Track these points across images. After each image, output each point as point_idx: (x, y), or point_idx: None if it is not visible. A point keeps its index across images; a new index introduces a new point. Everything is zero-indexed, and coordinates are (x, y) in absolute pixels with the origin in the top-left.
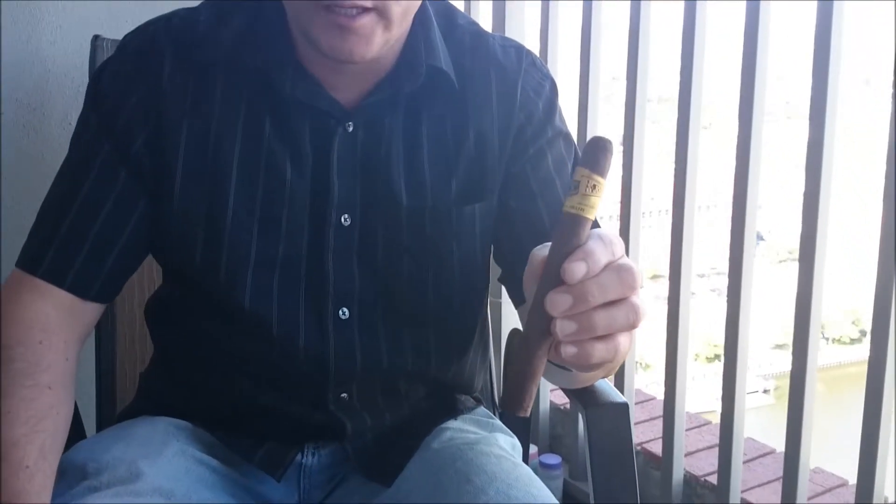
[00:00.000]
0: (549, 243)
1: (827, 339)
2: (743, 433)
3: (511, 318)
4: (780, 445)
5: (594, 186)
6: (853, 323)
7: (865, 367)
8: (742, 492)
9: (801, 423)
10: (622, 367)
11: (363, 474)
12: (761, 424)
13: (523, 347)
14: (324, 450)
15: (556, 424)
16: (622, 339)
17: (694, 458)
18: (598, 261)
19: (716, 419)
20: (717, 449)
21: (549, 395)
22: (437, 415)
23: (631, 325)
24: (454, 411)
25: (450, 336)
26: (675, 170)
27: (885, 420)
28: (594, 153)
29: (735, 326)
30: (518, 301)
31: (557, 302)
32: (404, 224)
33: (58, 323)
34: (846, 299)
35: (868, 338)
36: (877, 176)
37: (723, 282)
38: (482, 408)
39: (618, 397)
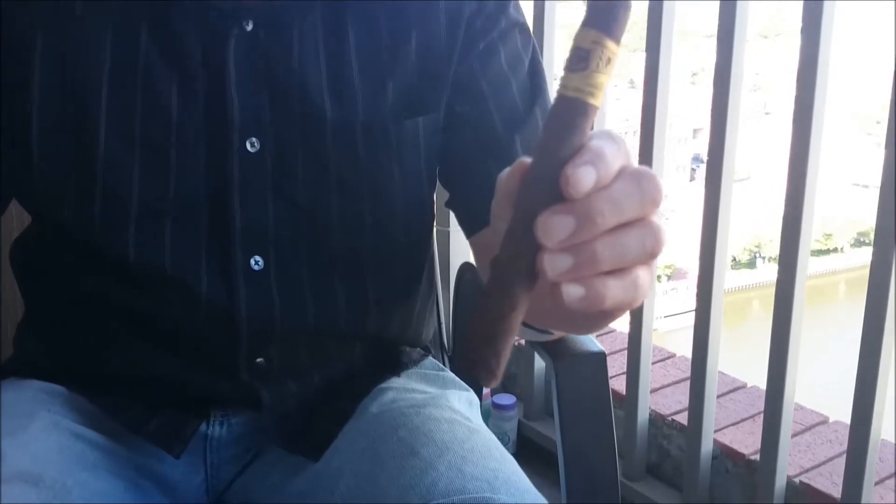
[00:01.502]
0: (528, 158)
1: (764, 258)
2: (717, 367)
3: (462, 250)
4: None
5: (608, 60)
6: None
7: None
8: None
9: (709, 331)
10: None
11: (284, 448)
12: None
13: (495, 295)
14: (235, 418)
15: (510, 363)
16: (641, 272)
17: (659, 395)
18: (609, 165)
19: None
20: (684, 384)
21: None
22: (376, 372)
23: (649, 255)
24: (397, 366)
25: (392, 282)
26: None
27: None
28: (609, 9)
29: (712, 249)
30: (470, 228)
31: (554, 226)
32: (330, 145)
33: None
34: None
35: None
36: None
37: (664, 206)
38: (430, 359)
39: (593, 345)
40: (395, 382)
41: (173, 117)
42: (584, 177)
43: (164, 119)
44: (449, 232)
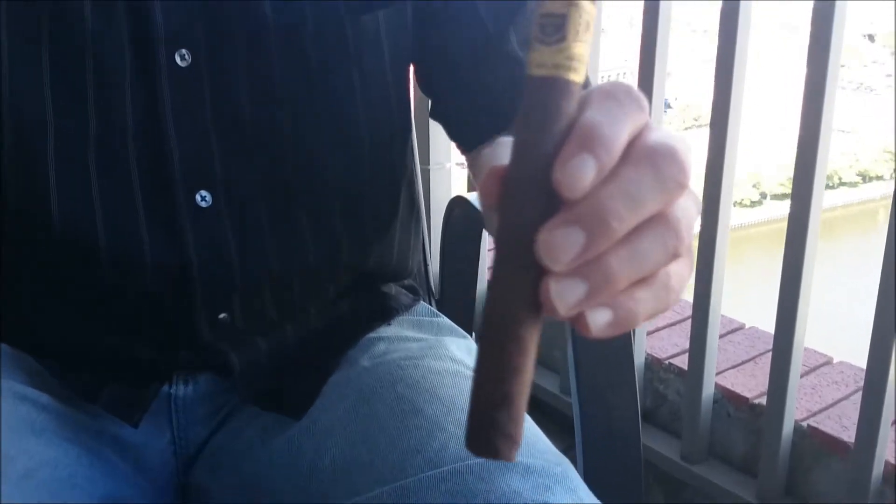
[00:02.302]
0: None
1: (766, 195)
2: (720, 308)
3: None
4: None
5: (587, 24)
6: (754, 186)
7: (765, 229)
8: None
9: (712, 270)
10: None
11: (260, 407)
12: None
13: (496, 343)
14: (202, 375)
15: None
16: (674, 267)
17: (654, 339)
18: (612, 145)
19: None
20: (680, 327)
21: (487, 272)
22: (361, 320)
23: (673, 256)
24: (386, 313)
25: (365, 209)
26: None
27: (808, 266)
28: None
29: (717, 184)
30: (464, 141)
31: (559, 243)
32: (275, 54)
33: None
34: (748, 163)
35: (768, 200)
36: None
37: None
38: (422, 303)
39: None
40: (386, 331)
41: (87, 25)
42: (580, 170)
43: (77, 28)
44: (429, 170)
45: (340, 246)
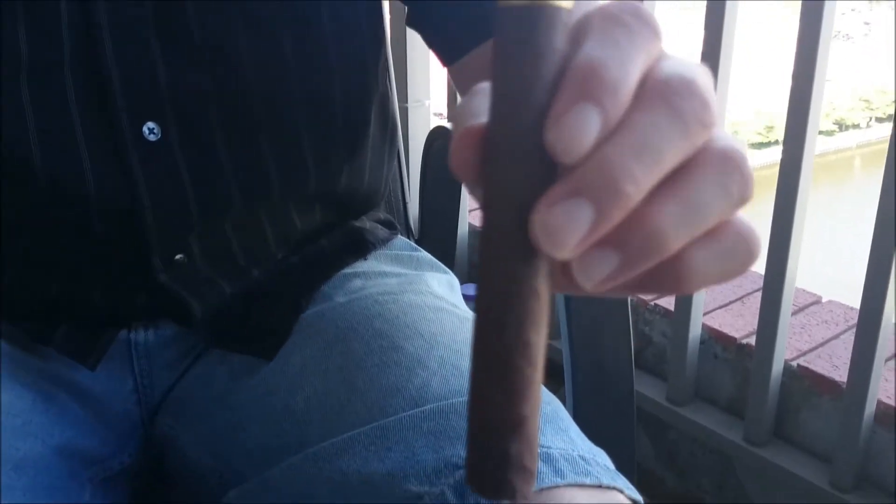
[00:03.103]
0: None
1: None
2: None
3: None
4: None
5: None
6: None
7: (776, 170)
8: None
9: None
10: None
11: (231, 350)
12: None
13: (497, 352)
14: (163, 320)
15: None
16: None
17: None
18: (617, 87)
19: None
20: None
21: (468, 215)
22: (335, 254)
23: (740, 200)
24: (361, 247)
25: (333, 127)
26: None
27: (798, 219)
28: None
29: None
30: (445, 53)
31: (561, 224)
32: None
33: None
34: (756, 101)
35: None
36: None
37: None
38: (401, 238)
39: None
40: (362, 266)
41: None
42: (579, 127)
43: None
44: (408, 108)
45: (307, 171)
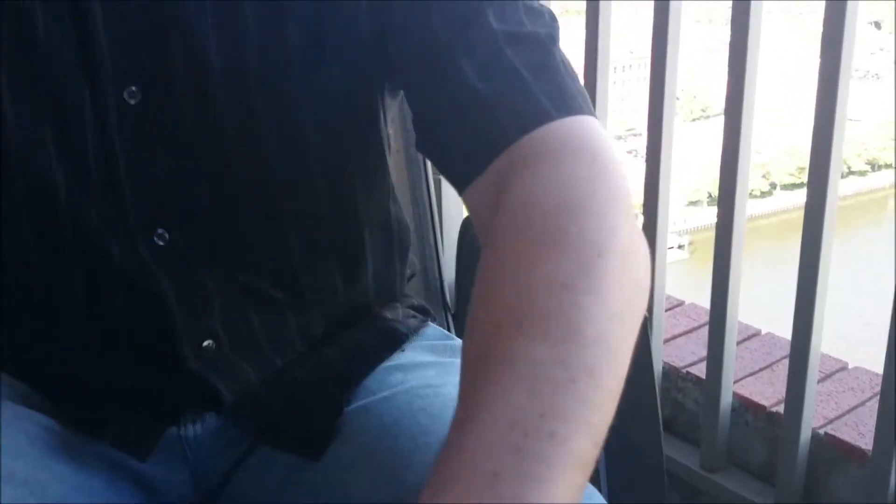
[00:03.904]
0: None
1: (776, 185)
2: (737, 315)
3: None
4: (697, 301)
5: None
6: (763, 177)
7: (775, 220)
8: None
9: (728, 277)
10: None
11: (277, 448)
12: (678, 280)
13: None
14: (208, 414)
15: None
16: None
17: (671, 347)
18: None
19: None
20: (696, 334)
21: None
22: (371, 348)
23: None
24: (394, 339)
25: (324, 251)
26: (587, 31)
27: (822, 273)
28: None
29: (655, 187)
30: (459, 181)
31: None
32: (219, 100)
33: None
34: (788, 139)
35: (778, 191)
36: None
37: (639, 143)
38: (433, 326)
39: None
40: (399, 358)
41: (42, 51)
42: None
43: (33, 57)
44: (441, 181)
45: (301, 284)
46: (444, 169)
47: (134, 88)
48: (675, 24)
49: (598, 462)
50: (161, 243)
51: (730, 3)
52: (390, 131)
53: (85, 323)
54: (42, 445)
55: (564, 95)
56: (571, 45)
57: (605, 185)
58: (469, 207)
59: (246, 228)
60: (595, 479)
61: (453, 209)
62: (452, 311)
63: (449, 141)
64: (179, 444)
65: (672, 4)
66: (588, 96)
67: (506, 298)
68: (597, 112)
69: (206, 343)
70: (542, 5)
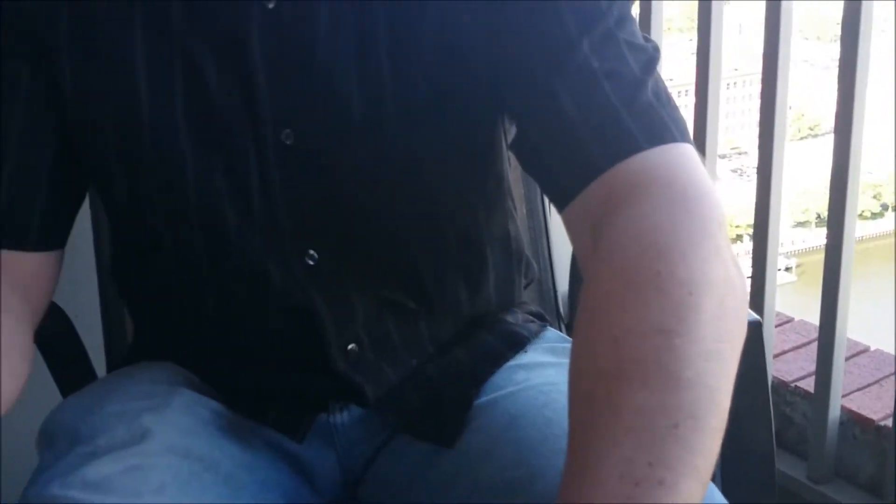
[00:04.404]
0: None
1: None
2: (846, 331)
3: None
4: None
5: None
6: (874, 197)
7: (887, 241)
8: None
9: (838, 297)
10: (759, 270)
11: (415, 436)
12: (785, 304)
13: None
14: (353, 405)
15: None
16: None
17: (780, 362)
18: None
19: None
20: (805, 350)
21: None
22: (496, 350)
23: None
24: (518, 341)
25: (456, 266)
26: (699, 52)
27: None
28: None
29: (766, 207)
30: (556, 203)
31: None
32: (358, 140)
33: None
34: (867, 172)
35: (889, 213)
36: None
37: (744, 162)
38: (552, 330)
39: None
40: (523, 358)
41: (216, 101)
42: None
43: (207, 107)
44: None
45: (431, 298)
46: (544, 189)
47: (288, 131)
48: (786, 42)
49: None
50: (311, 263)
51: (839, 20)
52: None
53: (248, 332)
54: (213, 427)
55: (656, 126)
56: (683, 62)
57: (694, 219)
58: (567, 229)
59: (382, 249)
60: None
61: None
62: (566, 321)
63: (547, 166)
64: (328, 431)
65: (783, 22)
66: (684, 123)
67: (604, 346)
68: (707, 129)
69: (350, 347)
70: (644, 37)
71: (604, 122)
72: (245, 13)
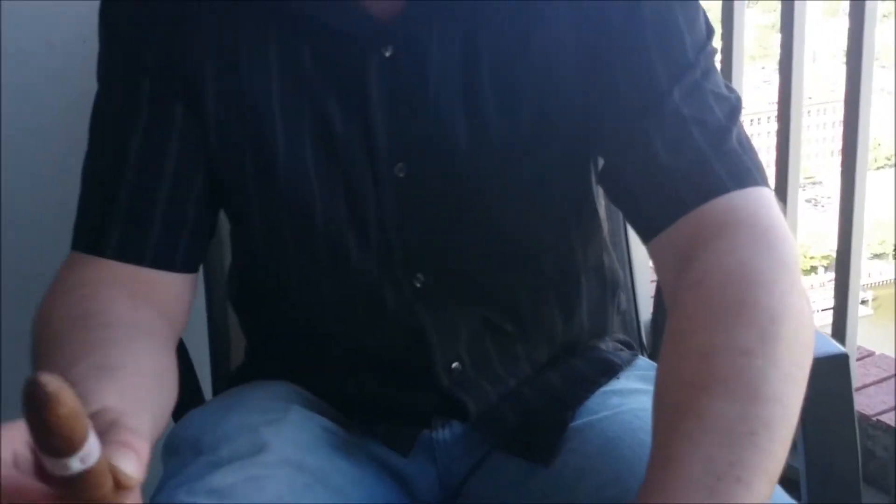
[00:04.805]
0: None
1: None
2: None
3: None
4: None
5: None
6: None
7: None
8: None
9: None
10: (841, 302)
11: (512, 454)
12: (862, 336)
13: None
14: (455, 421)
15: None
16: None
17: (861, 395)
18: None
19: None
20: (887, 384)
21: None
22: (589, 376)
23: None
24: (611, 369)
25: (552, 293)
26: (781, 85)
27: None
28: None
29: (848, 238)
30: (642, 236)
31: None
32: (463, 175)
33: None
34: None
35: None
36: None
37: (819, 192)
38: (643, 358)
39: (833, 347)
40: (616, 385)
41: (339, 145)
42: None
43: (332, 147)
44: None
45: (528, 324)
46: (630, 220)
47: (401, 164)
48: (868, 71)
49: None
50: (419, 285)
51: None
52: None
53: (361, 350)
54: (324, 443)
55: (741, 170)
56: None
57: (774, 256)
58: (653, 259)
59: (482, 275)
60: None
61: (644, 253)
62: (648, 351)
63: (636, 200)
64: (430, 446)
65: (865, 51)
66: (764, 169)
67: (691, 363)
68: (789, 159)
69: (454, 365)
70: (729, 88)
71: (693, 165)
72: (366, 60)
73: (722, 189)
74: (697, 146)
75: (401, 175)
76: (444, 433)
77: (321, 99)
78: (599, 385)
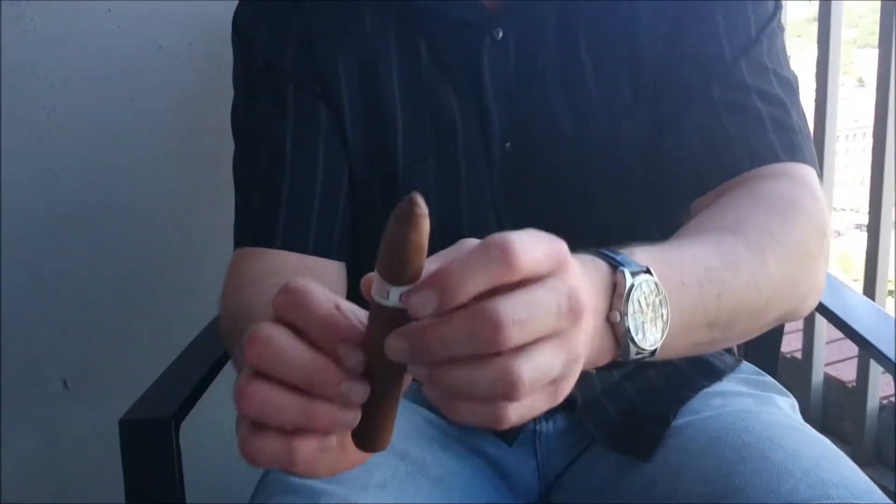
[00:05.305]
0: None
1: None
2: None
3: None
4: None
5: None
6: None
7: None
8: None
9: None
10: None
11: (612, 449)
12: None
13: (374, 390)
14: (560, 414)
15: (838, 405)
16: (514, 405)
17: (888, 378)
18: (454, 290)
19: None
20: None
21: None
22: (692, 377)
23: (501, 394)
24: (714, 372)
25: None
26: (816, 102)
27: None
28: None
29: (874, 265)
30: (695, 190)
31: (394, 349)
32: (566, 157)
33: None
34: None
35: None
36: None
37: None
38: (746, 363)
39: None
40: (719, 387)
41: (458, 131)
42: (421, 303)
43: (451, 134)
44: None
45: None
46: (678, 182)
47: (509, 143)
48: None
49: None
50: None
51: None
52: None
53: None
54: (426, 434)
55: (794, 145)
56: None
57: (813, 201)
58: (693, 212)
59: (580, 245)
60: None
61: None
62: (738, 356)
63: (691, 159)
64: (533, 439)
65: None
66: (813, 151)
67: (724, 219)
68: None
69: None
70: (790, 72)
71: (750, 129)
72: (479, 43)
73: (774, 158)
74: (757, 113)
75: (510, 151)
76: (549, 426)
77: (436, 83)
78: (702, 386)
